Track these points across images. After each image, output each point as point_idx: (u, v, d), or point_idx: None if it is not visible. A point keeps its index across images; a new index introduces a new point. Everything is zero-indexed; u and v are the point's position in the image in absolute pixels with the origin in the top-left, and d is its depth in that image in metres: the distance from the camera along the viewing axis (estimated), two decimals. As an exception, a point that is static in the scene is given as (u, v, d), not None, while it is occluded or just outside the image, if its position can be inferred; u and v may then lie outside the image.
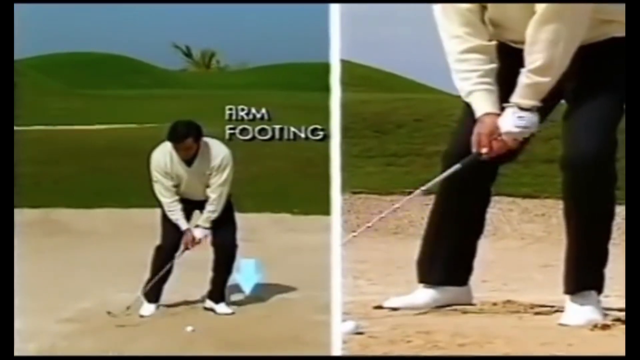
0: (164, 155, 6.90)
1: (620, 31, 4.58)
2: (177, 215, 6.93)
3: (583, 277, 4.69)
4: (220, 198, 6.91)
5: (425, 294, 4.97)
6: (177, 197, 6.94)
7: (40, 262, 7.98)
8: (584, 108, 4.62)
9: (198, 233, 6.93)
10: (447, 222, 4.94)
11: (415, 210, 10.07)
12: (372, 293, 5.59)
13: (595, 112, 4.59)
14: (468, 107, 4.80)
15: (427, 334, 4.26)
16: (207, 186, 6.91)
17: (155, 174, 6.94)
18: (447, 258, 4.94)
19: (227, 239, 6.97)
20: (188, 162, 6.87)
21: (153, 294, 6.94)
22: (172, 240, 6.95)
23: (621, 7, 4.54)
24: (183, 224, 6.91)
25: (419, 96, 18.98)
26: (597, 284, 4.72)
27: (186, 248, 6.92)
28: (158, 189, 6.95)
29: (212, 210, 6.93)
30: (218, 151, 6.86)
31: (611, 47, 4.60)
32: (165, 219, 7.01)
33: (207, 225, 6.94)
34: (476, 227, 5.00)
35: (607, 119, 4.57)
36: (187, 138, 6.77)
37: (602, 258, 4.71)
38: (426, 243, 5.04)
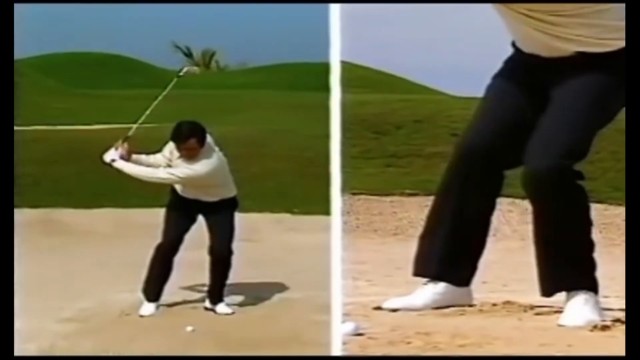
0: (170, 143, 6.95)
1: (584, 46, 4.62)
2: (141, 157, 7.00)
3: (556, 280, 4.73)
4: (157, 172, 6.89)
5: (424, 295, 4.97)
6: (153, 163, 6.97)
7: (40, 262, 7.99)
8: (543, 121, 4.68)
9: (109, 153, 6.90)
10: (445, 221, 4.95)
11: (415, 211, 10.09)
12: (371, 294, 5.58)
13: (552, 126, 4.65)
14: (486, 99, 4.90)
15: (427, 335, 4.26)
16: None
17: (166, 146, 6.97)
18: (443, 253, 4.95)
19: (223, 245, 6.94)
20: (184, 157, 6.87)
21: (153, 292, 6.93)
22: (172, 239, 6.93)
23: (586, 30, 4.59)
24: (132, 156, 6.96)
25: (419, 97, 19.00)
26: (581, 286, 4.71)
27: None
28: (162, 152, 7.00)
29: (144, 171, 6.89)
30: (205, 162, 6.84)
31: (575, 61, 4.64)
32: (169, 218, 7.01)
33: (124, 166, 6.88)
34: (476, 229, 4.99)
35: (564, 132, 4.62)
36: (189, 139, 6.74)
37: (577, 260, 4.72)
38: (423, 240, 5.05)
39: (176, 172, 6.81)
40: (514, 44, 4.92)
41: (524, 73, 4.84)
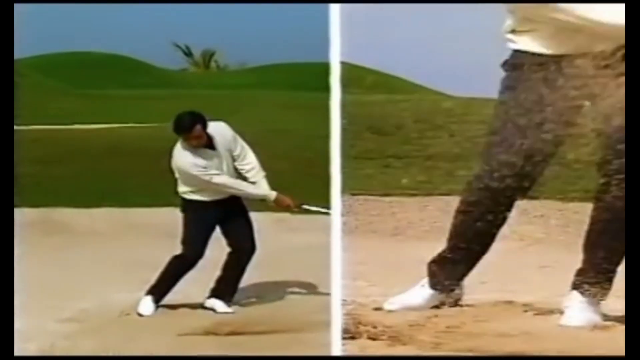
0: (182, 152, 6.84)
1: None
2: (254, 186, 7.04)
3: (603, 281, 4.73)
4: (257, 164, 7.07)
5: (422, 294, 5.00)
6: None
7: (40, 262, 7.98)
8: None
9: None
10: (467, 234, 4.97)
11: (414, 211, 10.07)
12: (371, 294, 5.59)
13: None
14: (498, 117, 4.83)
15: (427, 334, 4.27)
16: (235, 161, 7.00)
17: (200, 172, 6.83)
18: (462, 269, 4.98)
19: (249, 241, 6.95)
20: (210, 147, 6.84)
21: (160, 295, 6.90)
22: (196, 252, 6.85)
23: None
24: (268, 190, 7.07)
25: (418, 97, 18.99)
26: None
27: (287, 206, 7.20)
28: (218, 180, 6.87)
29: (262, 175, 7.08)
30: (221, 128, 6.92)
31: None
32: (190, 229, 6.94)
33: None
34: (489, 242, 5.03)
35: None
36: (194, 126, 6.73)
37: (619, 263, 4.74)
38: (448, 251, 5.07)
39: (256, 161, 7.03)
40: None
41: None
